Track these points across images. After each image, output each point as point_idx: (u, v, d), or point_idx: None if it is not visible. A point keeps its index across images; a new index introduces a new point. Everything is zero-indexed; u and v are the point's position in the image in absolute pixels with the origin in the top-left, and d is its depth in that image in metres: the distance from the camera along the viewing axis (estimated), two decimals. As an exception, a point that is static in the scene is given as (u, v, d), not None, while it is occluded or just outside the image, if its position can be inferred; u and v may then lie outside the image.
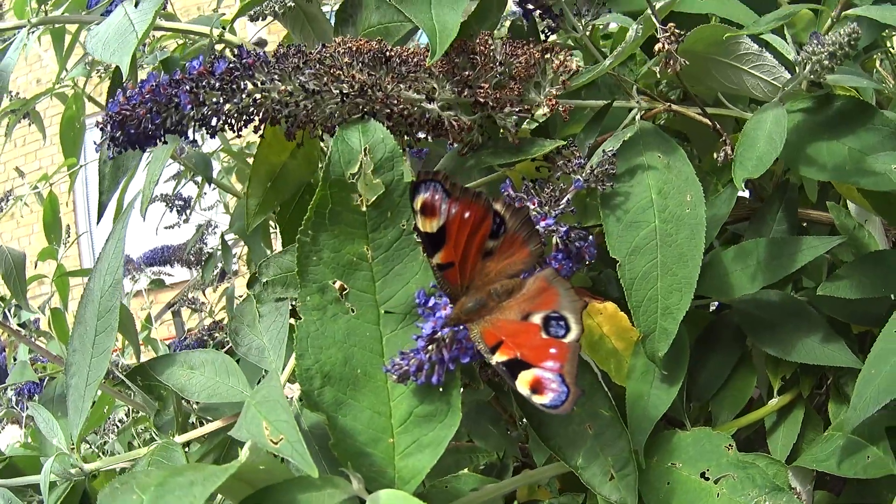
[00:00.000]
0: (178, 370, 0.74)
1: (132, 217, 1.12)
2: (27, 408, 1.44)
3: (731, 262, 0.69)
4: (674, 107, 0.68)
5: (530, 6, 0.68)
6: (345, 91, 0.55)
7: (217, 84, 0.57)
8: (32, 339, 1.19)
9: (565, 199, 0.57)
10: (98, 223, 1.02)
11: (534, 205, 0.56)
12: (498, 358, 0.51)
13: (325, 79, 0.56)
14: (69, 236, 1.68)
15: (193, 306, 1.90)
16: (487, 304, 0.54)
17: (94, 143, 0.63)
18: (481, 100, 0.58)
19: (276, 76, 0.57)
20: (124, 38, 0.73)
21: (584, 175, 0.58)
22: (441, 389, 0.53)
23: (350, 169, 0.54)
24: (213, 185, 1.53)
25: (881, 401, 0.59)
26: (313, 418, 0.66)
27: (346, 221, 0.55)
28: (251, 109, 0.57)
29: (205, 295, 1.92)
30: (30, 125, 1.55)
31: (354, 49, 0.57)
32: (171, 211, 1.77)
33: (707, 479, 0.62)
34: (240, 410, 0.75)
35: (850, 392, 0.74)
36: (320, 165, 0.90)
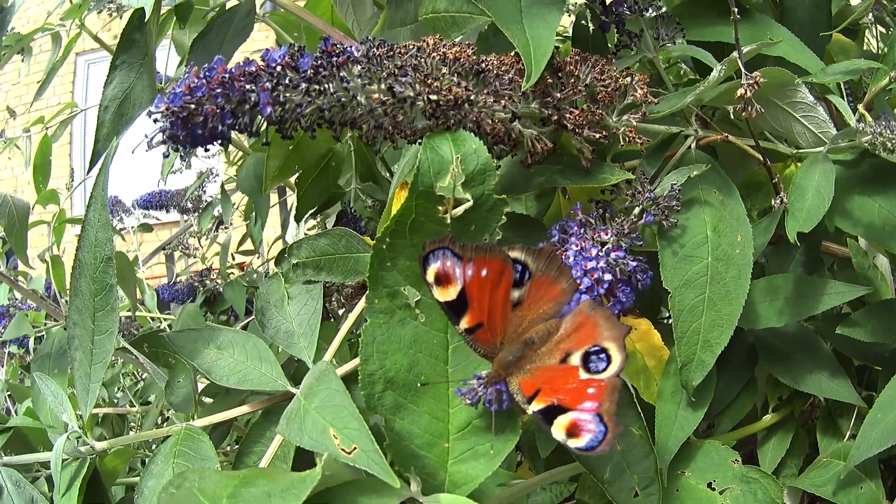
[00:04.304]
0: (203, 348, 0.71)
1: (130, 159, 1.07)
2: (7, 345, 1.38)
3: (759, 293, 0.72)
4: (731, 138, 0.70)
5: (608, 20, 0.68)
6: (441, 103, 0.55)
7: (303, 84, 0.53)
8: (22, 285, 1.14)
9: (636, 232, 0.59)
10: (88, 172, 0.96)
11: (607, 234, 0.58)
12: (534, 407, 0.50)
13: (419, 87, 0.55)
14: (73, 180, 1.63)
15: (187, 251, 1.85)
16: (525, 354, 0.54)
17: (146, 137, 0.55)
18: (568, 125, 0.59)
19: (366, 79, 0.54)
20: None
21: (653, 210, 0.60)
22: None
23: (440, 181, 0.53)
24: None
25: (884, 444, 0.64)
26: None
27: (426, 231, 0.55)
28: (334, 113, 0.55)
29: (199, 242, 1.87)
30: (23, 60, 1.48)
31: (451, 57, 0.56)
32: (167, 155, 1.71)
33: (713, 489, 0.67)
34: (266, 395, 0.73)
35: (842, 421, 0.80)
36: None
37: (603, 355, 0.52)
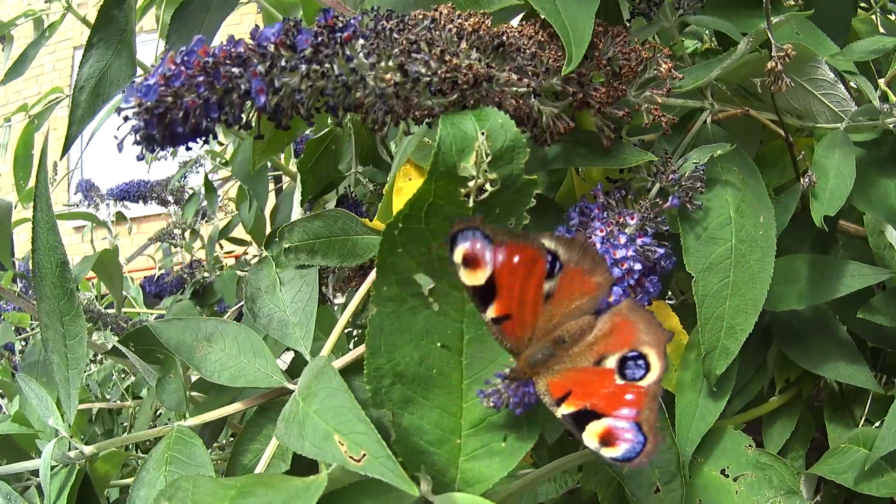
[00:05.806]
0: (191, 340, 0.66)
1: (108, 146, 1.01)
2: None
3: (778, 274, 0.69)
4: (751, 112, 0.67)
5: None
6: (459, 82, 0.50)
7: (301, 66, 0.46)
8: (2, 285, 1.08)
9: (662, 216, 0.55)
10: (62, 158, 0.89)
11: (633, 219, 0.54)
12: (564, 410, 0.47)
13: (435, 65, 0.50)
14: (55, 173, 1.56)
15: (174, 241, 1.77)
16: (555, 352, 0.50)
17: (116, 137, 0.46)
18: (592, 102, 0.55)
19: (374, 57, 0.48)
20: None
21: (678, 192, 0.57)
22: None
23: (463, 160, 0.48)
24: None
25: (910, 435, 0.62)
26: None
27: (445, 215, 0.50)
28: (338, 96, 0.48)
29: (183, 234, 1.80)
30: (3, 49, 1.41)
31: (469, 30, 0.52)
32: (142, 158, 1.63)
33: (727, 476, 0.64)
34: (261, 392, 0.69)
35: (855, 406, 0.78)
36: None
37: (641, 362, 0.48)
